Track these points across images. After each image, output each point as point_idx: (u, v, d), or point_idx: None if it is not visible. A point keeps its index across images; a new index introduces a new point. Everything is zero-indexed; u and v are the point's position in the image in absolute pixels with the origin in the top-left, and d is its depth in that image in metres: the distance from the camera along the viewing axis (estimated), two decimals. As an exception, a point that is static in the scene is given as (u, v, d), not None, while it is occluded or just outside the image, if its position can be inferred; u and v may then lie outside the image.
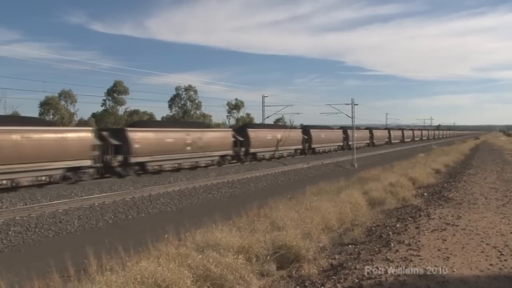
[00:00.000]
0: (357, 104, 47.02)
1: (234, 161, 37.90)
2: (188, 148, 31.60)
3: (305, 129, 51.79)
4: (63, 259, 8.54)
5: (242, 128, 41.63)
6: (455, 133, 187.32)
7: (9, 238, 14.70)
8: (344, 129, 62.64)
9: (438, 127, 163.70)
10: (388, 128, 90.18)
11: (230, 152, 36.56)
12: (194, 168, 32.23)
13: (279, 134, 44.24)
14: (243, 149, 38.36)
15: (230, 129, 40.14)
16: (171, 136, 30.46)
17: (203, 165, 33.24)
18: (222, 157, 35.55)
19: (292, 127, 54.66)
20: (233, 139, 37.19)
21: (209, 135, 34.56)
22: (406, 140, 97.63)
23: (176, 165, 30.55)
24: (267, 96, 54.23)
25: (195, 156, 32.43)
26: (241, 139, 38.15)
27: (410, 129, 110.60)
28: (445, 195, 15.57)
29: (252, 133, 39.91)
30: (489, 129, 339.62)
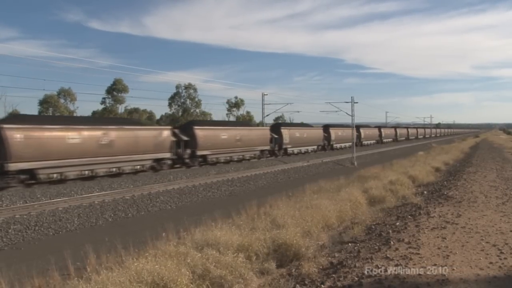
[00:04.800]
0: (356, 102, 46.96)
1: (178, 165, 31.80)
2: (105, 150, 25.20)
3: (275, 127, 45.89)
4: (63, 257, 8.55)
5: (187, 126, 34.82)
6: (454, 132, 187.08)
7: (9, 236, 14.71)
8: (326, 127, 57.36)
9: (437, 125, 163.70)
10: (378, 126, 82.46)
11: (168, 155, 30.15)
12: (116, 175, 26.29)
13: (239, 132, 38.09)
14: (188, 151, 32.06)
15: (169, 127, 32.80)
16: (77, 135, 23.94)
17: (127, 171, 27.13)
18: (158, 161, 29.42)
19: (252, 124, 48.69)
20: (173, 139, 30.91)
21: (137, 134, 28.05)
22: (399, 139, 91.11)
23: (86, 172, 24.46)
24: (266, 94, 53.60)
25: (116, 161, 25.97)
26: (185, 138, 31.86)
27: (404, 127, 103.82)
28: (445, 193, 15.57)
29: (200, 131, 33.34)
30: (488, 127, 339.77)
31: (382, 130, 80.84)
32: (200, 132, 33.35)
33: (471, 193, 15.38)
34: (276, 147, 43.91)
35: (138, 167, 27.99)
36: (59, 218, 16.84)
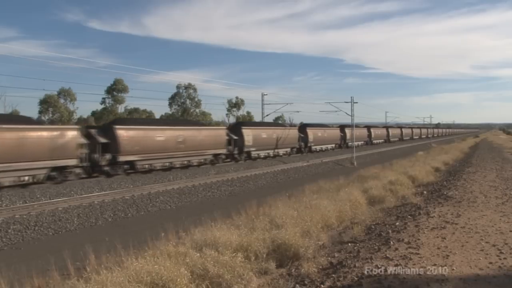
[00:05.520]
0: (356, 102, 46.92)
1: (96, 174, 25.73)
2: None
3: (235, 127, 39.37)
4: (62, 257, 8.54)
5: (107, 125, 28.79)
6: (454, 131, 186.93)
7: (9, 236, 14.71)
8: (303, 127, 51.65)
9: (437, 125, 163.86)
10: (367, 126, 75.47)
11: (74, 161, 23.66)
12: None
13: (182, 133, 31.44)
14: (107, 156, 25.76)
15: (76, 127, 26.57)
16: None
17: (8, 184, 20.75)
18: (61, 169, 23.13)
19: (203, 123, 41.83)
20: (84, 141, 24.85)
21: (23, 135, 21.59)
22: (392, 139, 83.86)
23: None
24: (266, 94, 53.58)
25: None
26: (103, 141, 25.67)
27: (398, 127, 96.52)
28: (445, 193, 15.56)
29: (124, 132, 26.92)
30: (488, 127, 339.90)
31: (372, 130, 74.22)
32: (124, 133, 26.90)
33: (470, 193, 15.38)
34: (236, 151, 37.64)
35: (27, 178, 21.71)
36: (58, 218, 16.84)
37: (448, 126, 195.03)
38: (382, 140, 78.77)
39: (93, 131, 26.52)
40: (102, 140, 25.73)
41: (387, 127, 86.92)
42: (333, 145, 57.61)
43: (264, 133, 41.80)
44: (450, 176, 22.37)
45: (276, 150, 43.61)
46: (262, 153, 41.29)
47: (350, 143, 60.05)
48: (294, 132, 48.28)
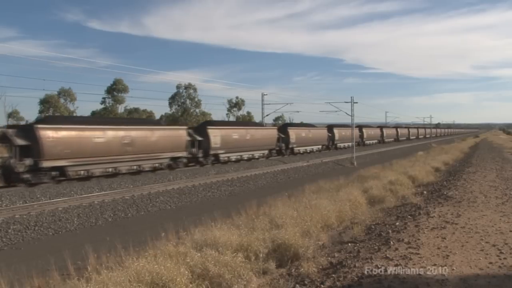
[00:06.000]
0: (356, 103, 46.88)
1: (14, 183, 21.49)
2: None
3: (200, 128, 35.49)
4: (62, 257, 8.56)
5: (29, 125, 25.25)
6: (454, 132, 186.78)
7: (9, 236, 14.72)
8: (283, 127, 47.91)
9: (437, 125, 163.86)
10: (360, 126, 68.57)
11: None
12: None
13: (128, 134, 27.19)
14: (27, 161, 21.52)
15: None
16: None
17: None
18: None
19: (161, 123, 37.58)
20: None
21: None
22: (387, 140, 79.82)
23: None
24: (266, 94, 53.38)
25: None
26: (21, 143, 21.56)
27: (393, 127, 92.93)
28: (445, 193, 15.56)
29: (49, 132, 22.51)
30: (488, 127, 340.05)
31: (364, 130, 69.35)
32: (49, 134, 22.50)
33: (470, 193, 15.37)
34: (201, 153, 33.85)
35: None
36: (58, 218, 16.85)
37: (448, 126, 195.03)
38: (376, 141, 74.51)
39: (10, 131, 22.31)
40: (20, 142, 21.54)
41: (381, 127, 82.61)
42: (320, 147, 54.05)
43: (236, 134, 37.74)
44: (450, 176, 22.36)
45: (250, 153, 39.67)
46: (233, 156, 37.37)
47: (339, 144, 58.23)
48: (272, 133, 44.49)
